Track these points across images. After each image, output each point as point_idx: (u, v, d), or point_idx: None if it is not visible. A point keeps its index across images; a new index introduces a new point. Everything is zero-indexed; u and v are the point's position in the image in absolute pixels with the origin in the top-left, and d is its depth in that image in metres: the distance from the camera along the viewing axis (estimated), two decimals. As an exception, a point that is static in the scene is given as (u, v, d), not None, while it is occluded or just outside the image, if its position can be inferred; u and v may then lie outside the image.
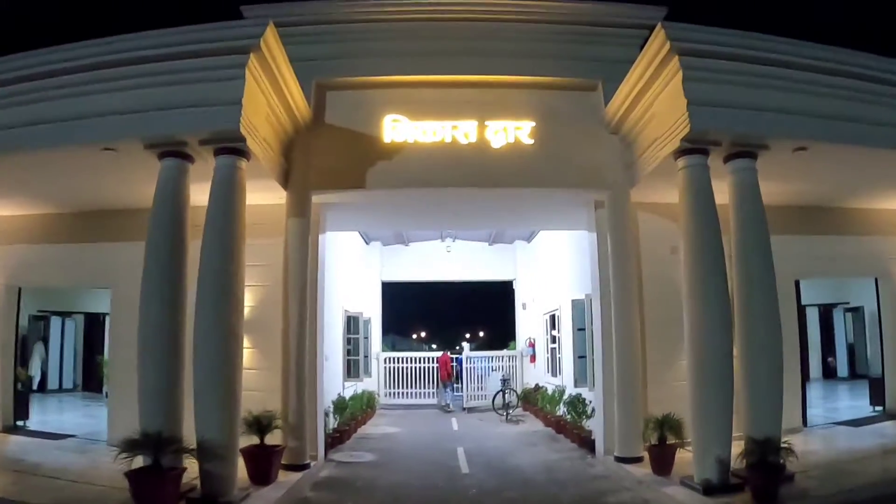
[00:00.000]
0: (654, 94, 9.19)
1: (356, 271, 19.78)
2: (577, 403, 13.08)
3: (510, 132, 10.69)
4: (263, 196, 10.16)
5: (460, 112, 10.74)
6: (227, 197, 8.44)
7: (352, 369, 16.66)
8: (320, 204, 11.00)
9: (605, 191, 10.75)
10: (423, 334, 54.21)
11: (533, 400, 18.04)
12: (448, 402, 20.20)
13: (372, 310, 21.41)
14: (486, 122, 10.70)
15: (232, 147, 8.38)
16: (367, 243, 21.94)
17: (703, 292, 8.36)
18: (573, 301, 13.50)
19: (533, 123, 10.76)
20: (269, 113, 9.29)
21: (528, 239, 22.18)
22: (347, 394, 16.03)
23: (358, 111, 10.80)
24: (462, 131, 10.63)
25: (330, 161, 10.56)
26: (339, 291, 16.23)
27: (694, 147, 8.59)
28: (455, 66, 10.86)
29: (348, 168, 10.52)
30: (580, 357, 13.04)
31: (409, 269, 23.07)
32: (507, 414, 17.56)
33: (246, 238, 8.63)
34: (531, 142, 10.69)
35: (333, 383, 14.81)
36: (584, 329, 12.74)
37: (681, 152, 8.72)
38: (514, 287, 23.53)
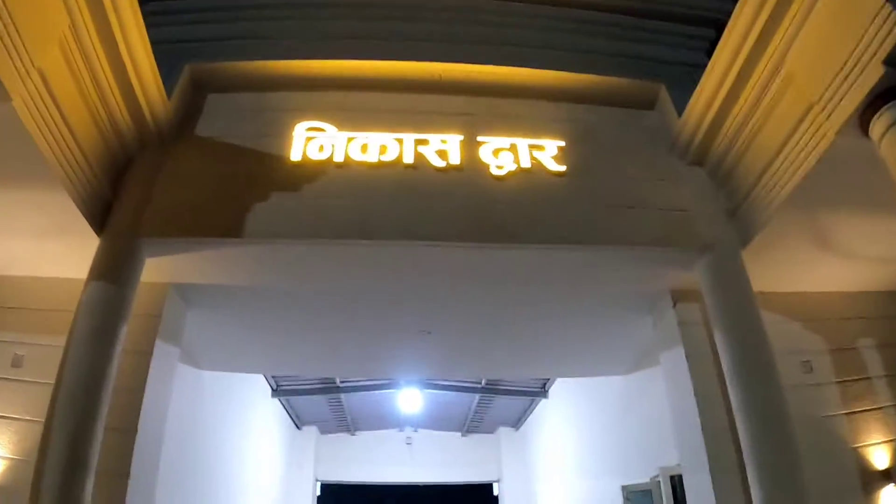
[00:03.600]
0: (783, 42, 4.72)
1: (278, 463, 14.34)
2: None
3: (523, 153, 6.01)
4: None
5: (433, 121, 6.17)
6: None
7: None
8: (169, 285, 6.06)
9: (695, 254, 5.79)
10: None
11: None
12: None
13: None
14: (480, 138, 6.08)
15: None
16: (298, 427, 16.56)
17: None
18: (628, 491, 8.24)
19: (561, 143, 6.13)
20: (85, 93, 4.95)
21: (517, 425, 17.10)
22: None
23: (254, 119, 6.20)
24: (434, 148, 5.91)
25: (191, 192, 5.61)
26: (241, 485, 10.88)
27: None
28: (426, 51, 6.43)
29: (221, 202, 5.57)
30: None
31: (355, 466, 17.62)
32: None
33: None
34: (560, 169, 5.96)
35: None
36: None
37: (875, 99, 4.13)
38: (497, 491, 17.89)
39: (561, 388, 12.98)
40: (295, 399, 14.63)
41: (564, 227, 5.70)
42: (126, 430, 5.29)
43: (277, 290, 6.41)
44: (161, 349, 5.83)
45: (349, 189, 5.66)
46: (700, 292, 6.06)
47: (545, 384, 13.62)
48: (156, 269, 5.73)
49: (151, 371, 5.61)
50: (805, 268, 6.13)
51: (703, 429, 5.86)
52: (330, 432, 17.54)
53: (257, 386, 12.45)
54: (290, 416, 15.67)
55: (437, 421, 17.11)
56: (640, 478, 8.19)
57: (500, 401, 15.25)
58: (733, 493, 5.57)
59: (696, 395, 5.99)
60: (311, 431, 16.97)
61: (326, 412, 15.91)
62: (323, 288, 6.39)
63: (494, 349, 8.14)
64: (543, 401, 14.21)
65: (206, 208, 5.58)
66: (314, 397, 14.58)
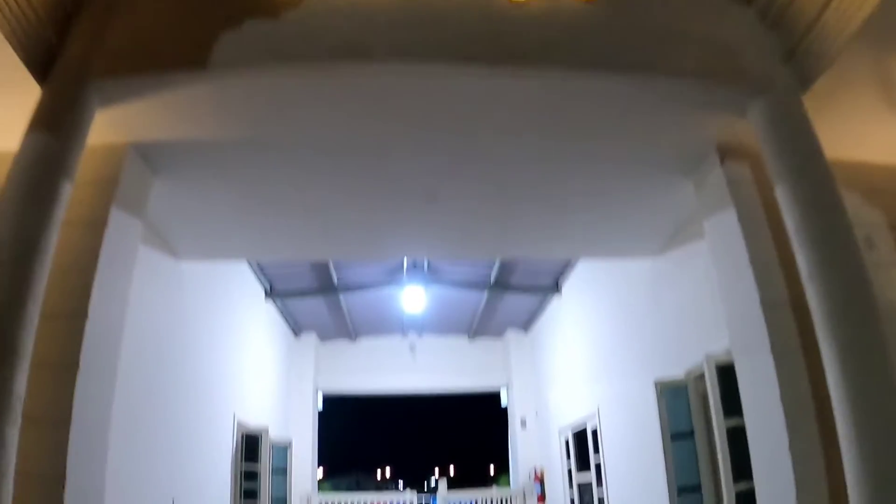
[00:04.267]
0: None
1: (274, 373, 13.66)
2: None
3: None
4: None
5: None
6: None
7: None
8: (128, 145, 5.10)
9: (747, 96, 4.80)
10: (386, 472, 47.86)
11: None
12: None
13: (300, 431, 15.11)
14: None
15: None
16: (296, 334, 15.83)
17: None
18: (662, 387, 7.39)
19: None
20: None
21: (527, 327, 16.31)
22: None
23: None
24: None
25: (148, 22, 4.57)
26: (233, 392, 10.22)
27: None
28: None
29: (183, 31, 4.51)
30: (686, 491, 6.95)
31: (357, 374, 16.87)
32: None
33: None
34: (588, -8, 4.94)
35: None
36: (689, 434, 7.01)
37: None
38: (506, 398, 17.25)
39: (576, 284, 12.15)
40: (291, 302, 13.83)
41: (588, 51, 4.73)
42: (74, 315, 4.40)
43: (254, 146, 5.43)
44: (119, 220, 4.91)
45: (339, 7, 4.63)
46: (750, 151, 5.24)
47: (558, 280, 12.80)
48: (111, 127, 4.80)
49: (106, 245, 4.70)
50: (870, 128, 5.28)
51: (761, 303, 4.99)
52: (330, 339, 16.78)
53: (249, 288, 11.63)
54: (287, 322, 14.91)
55: (442, 324, 16.36)
56: (674, 372, 7.38)
57: (509, 299, 14.44)
58: (797, 376, 4.74)
59: (752, 263, 5.12)
60: (309, 338, 16.22)
61: (325, 316, 15.13)
62: (308, 139, 5.39)
63: (510, 221, 7.13)
64: (556, 299, 13.39)
65: (165, 38, 4.59)
66: (311, 299, 13.77)
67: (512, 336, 16.67)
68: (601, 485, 10.64)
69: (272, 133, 5.27)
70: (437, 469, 37.87)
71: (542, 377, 15.29)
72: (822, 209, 4.44)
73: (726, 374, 6.01)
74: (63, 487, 4.04)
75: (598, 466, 10.95)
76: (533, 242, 8.10)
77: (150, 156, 5.35)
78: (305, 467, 15.04)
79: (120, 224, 4.96)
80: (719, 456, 5.86)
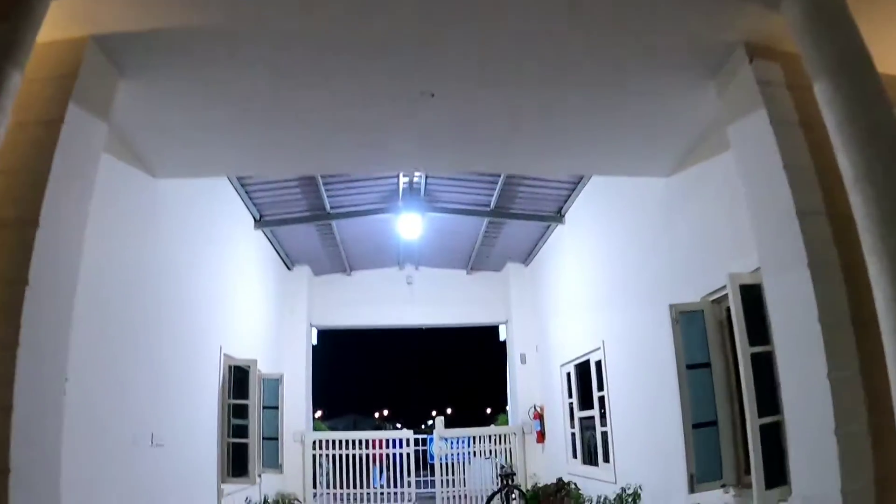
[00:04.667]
0: None
1: (265, 306, 13.24)
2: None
3: None
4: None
5: None
6: None
7: (239, 461, 9.77)
8: (88, 38, 4.57)
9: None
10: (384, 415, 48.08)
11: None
12: None
13: (293, 367, 14.70)
14: None
15: None
16: (289, 268, 15.36)
17: None
18: (677, 311, 6.88)
19: None
20: None
21: (527, 260, 15.83)
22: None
23: None
24: None
25: None
26: (220, 324, 9.81)
27: None
28: None
29: None
30: (701, 426, 6.51)
31: (352, 308, 16.37)
32: None
33: None
34: None
35: (189, 490, 8.20)
36: (705, 365, 6.59)
37: None
38: (505, 333, 16.86)
39: (581, 211, 11.62)
40: (282, 232, 13.30)
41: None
42: (22, 223, 3.91)
43: (232, 41, 4.87)
44: (78, 120, 4.39)
45: None
46: (780, 51, 4.85)
47: (561, 208, 12.28)
48: (69, 18, 4.29)
49: (62, 145, 4.18)
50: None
51: (797, 212, 4.51)
52: (324, 273, 16.27)
53: (237, 215, 11.10)
54: (280, 255, 14.42)
55: (440, 256, 15.89)
56: (687, 300, 6.92)
57: (508, 230, 13.93)
58: (836, 295, 4.29)
59: (786, 168, 4.63)
60: (303, 272, 15.70)
61: (318, 248, 14.63)
62: (295, 32, 4.83)
63: (514, 131, 6.61)
64: (559, 229, 12.89)
65: None
66: (303, 228, 13.24)
67: (512, 269, 16.17)
68: (605, 421, 10.29)
69: (251, 25, 4.72)
70: (434, 412, 37.77)
71: (542, 311, 14.86)
72: (868, 105, 3.96)
73: (750, 297, 5.57)
74: (9, 416, 3.59)
75: (601, 402, 10.59)
76: (537, 156, 7.55)
77: (114, 51, 4.80)
78: (299, 404, 14.69)
79: (79, 124, 4.44)
80: (743, 386, 5.42)
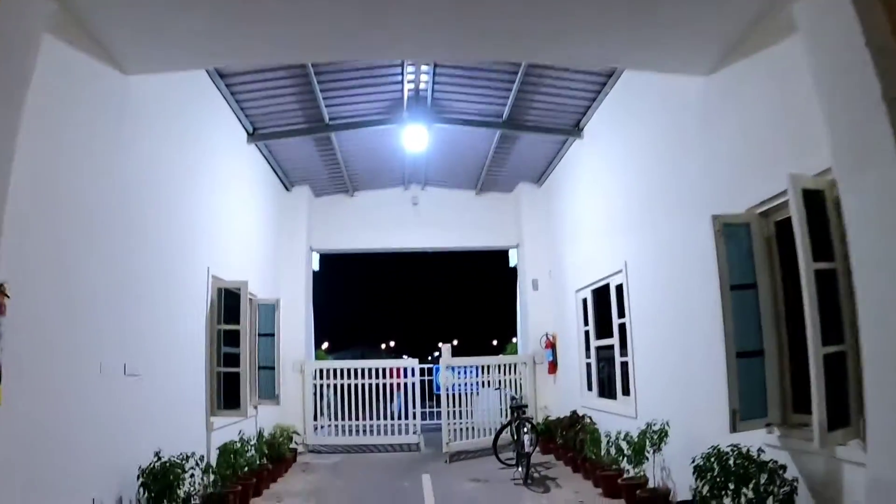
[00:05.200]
0: None
1: (261, 228, 12.50)
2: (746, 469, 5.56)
3: None
4: None
5: None
6: None
7: (231, 392, 9.10)
8: None
9: None
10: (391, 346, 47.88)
11: (569, 440, 10.78)
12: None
13: (292, 293, 14.07)
14: None
15: None
16: (287, 188, 14.56)
17: None
18: (721, 223, 6.01)
19: None
20: None
21: (540, 180, 14.96)
22: (219, 440, 8.71)
23: None
24: None
25: None
26: (208, 243, 9.09)
27: None
28: None
29: None
30: (746, 356, 5.74)
31: (355, 232, 15.58)
32: (527, 470, 10.14)
33: None
34: None
35: (173, 424, 7.50)
36: (750, 286, 5.84)
37: None
38: (516, 258, 16.09)
39: (602, 123, 10.68)
40: (279, 149, 12.41)
41: None
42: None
43: None
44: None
45: None
46: None
47: (579, 121, 11.37)
48: None
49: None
50: None
51: (884, 97, 3.71)
52: (325, 194, 15.44)
53: (227, 127, 10.22)
54: (277, 175, 13.58)
55: (447, 175, 15.08)
56: (729, 212, 6.10)
57: (522, 146, 13.00)
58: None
59: (869, 47, 3.80)
60: (302, 193, 14.84)
61: (318, 165, 13.78)
62: None
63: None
64: (576, 146, 11.99)
65: None
66: (302, 145, 12.39)
67: (524, 190, 15.27)
68: (625, 350, 9.56)
69: None
70: (440, 343, 37.54)
71: (557, 234, 14.05)
72: None
73: (812, 205, 4.76)
74: None
75: (622, 330, 9.85)
76: (556, 42, 6.56)
77: None
78: (298, 332, 14.05)
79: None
80: (806, 309, 4.63)
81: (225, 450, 8.26)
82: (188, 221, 8.32)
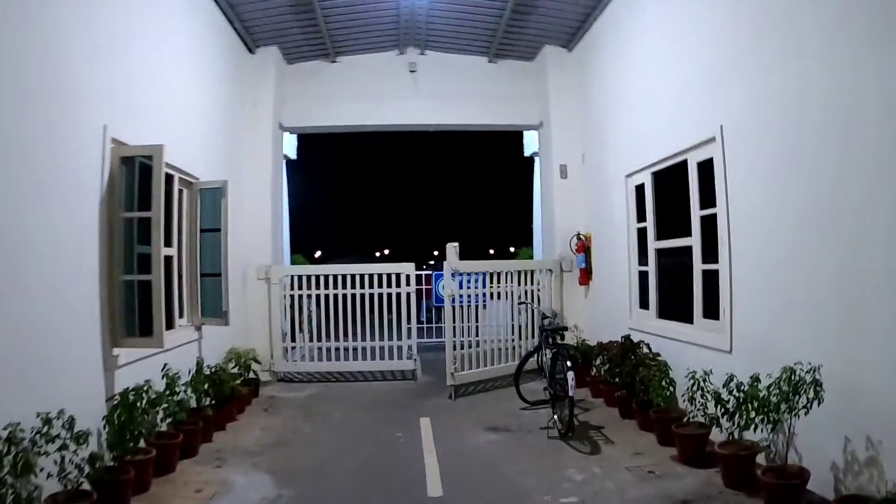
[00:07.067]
0: None
1: (208, 91, 9.61)
2: None
3: None
4: None
5: None
6: None
7: (147, 312, 6.41)
8: None
9: None
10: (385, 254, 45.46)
11: (625, 376, 8.08)
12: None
13: (255, 181, 11.43)
14: None
15: None
16: (251, 50, 11.66)
17: None
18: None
19: None
20: None
21: (571, 43, 12.10)
22: (128, 379, 6.05)
23: None
24: None
25: None
26: (105, 93, 6.19)
27: None
28: None
29: None
30: None
31: (337, 106, 12.74)
32: (570, 420, 7.39)
33: None
34: None
35: (44, 362, 4.86)
36: None
37: None
38: (538, 142, 13.36)
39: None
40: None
41: None
42: None
43: None
44: None
45: None
46: None
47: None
48: None
49: None
50: None
51: None
52: (300, 59, 12.60)
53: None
54: (236, 30, 10.65)
55: (453, 36, 12.38)
56: None
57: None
58: None
59: None
60: (269, 56, 11.89)
61: (291, 20, 10.89)
62: None
63: None
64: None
65: None
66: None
67: (550, 55, 12.38)
68: (715, 255, 6.87)
69: None
70: (446, 244, 35.17)
71: (595, 107, 11.17)
72: None
73: None
74: None
75: (707, 225, 7.12)
76: None
77: None
78: (262, 229, 11.38)
79: None
80: None
81: (125, 402, 5.62)
82: (72, 57, 5.50)
